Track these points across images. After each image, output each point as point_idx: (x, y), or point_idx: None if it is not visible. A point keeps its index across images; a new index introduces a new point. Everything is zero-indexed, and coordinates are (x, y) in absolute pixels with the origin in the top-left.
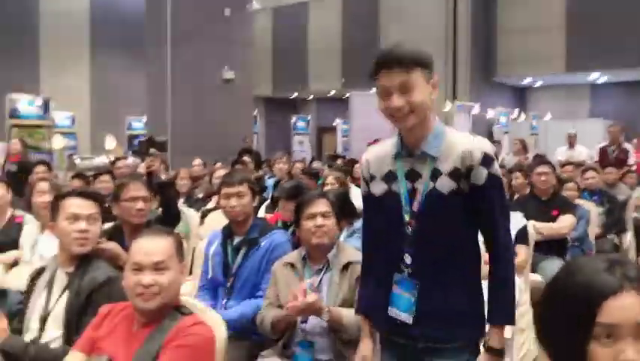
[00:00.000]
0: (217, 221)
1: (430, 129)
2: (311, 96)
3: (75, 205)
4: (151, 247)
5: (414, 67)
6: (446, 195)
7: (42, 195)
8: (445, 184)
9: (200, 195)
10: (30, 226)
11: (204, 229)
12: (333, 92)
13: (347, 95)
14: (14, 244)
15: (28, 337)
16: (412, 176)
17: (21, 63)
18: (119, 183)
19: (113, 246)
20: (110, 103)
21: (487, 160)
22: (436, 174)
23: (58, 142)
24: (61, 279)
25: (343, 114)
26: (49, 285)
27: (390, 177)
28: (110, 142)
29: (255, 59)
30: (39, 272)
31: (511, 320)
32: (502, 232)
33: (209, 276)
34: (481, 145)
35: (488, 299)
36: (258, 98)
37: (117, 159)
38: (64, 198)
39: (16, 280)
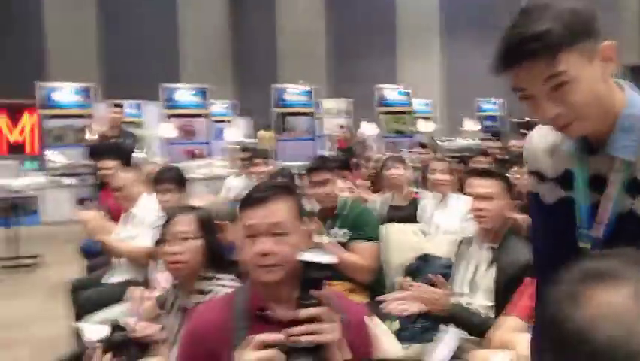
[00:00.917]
0: None
1: (613, 117)
2: None
3: (474, 185)
4: None
5: (565, 47)
6: None
7: (434, 173)
8: None
9: None
10: (427, 201)
11: None
12: None
13: None
14: (413, 218)
15: (454, 298)
16: (598, 183)
17: (382, 56)
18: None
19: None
20: (461, 87)
21: None
22: (635, 189)
23: (424, 126)
24: (486, 252)
25: None
26: (475, 256)
27: (566, 180)
28: (469, 124)
29: (619, 24)
30: (463, 242)
31: None
32: None
33: None
34: None
35: None
36: (625, 67)
37: (482, 140)
38: (469, 177)
39: (433, 248)
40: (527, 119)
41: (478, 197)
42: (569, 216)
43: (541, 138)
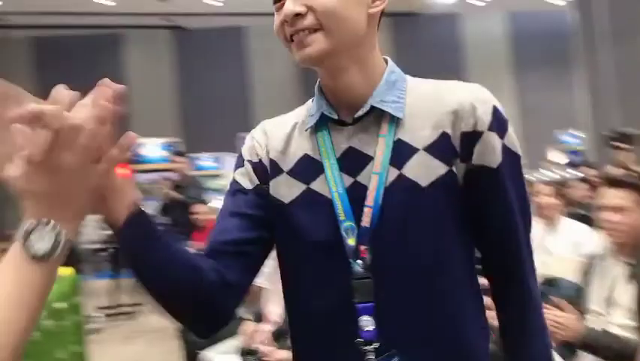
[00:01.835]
0: None
1: (376, 73)
2: None
3: (607, 195)
4: None
5: None
6: (425, 188)
7: (538, 195)
8: (422, 168)
9: None
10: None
11: None
12: None
13: None
14: None
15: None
16: (352, 161)
17: None
18: None
19: None
20: (536, 121)
21: (500, 122)
22: (402, 152)
23: None
24: (622, 268)
25: None
26: (610, 272)
27: (306, 168)
28: (556, 155)
29: None
30: (595, 259)
31: None
32: (526, 254)
33: None
34: (486, 95)
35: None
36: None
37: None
38: (601, 187)
39: (559, 270)
40: (621, 130)
41: (611, 209)
42: (313, 215)
43: (277, 126)
